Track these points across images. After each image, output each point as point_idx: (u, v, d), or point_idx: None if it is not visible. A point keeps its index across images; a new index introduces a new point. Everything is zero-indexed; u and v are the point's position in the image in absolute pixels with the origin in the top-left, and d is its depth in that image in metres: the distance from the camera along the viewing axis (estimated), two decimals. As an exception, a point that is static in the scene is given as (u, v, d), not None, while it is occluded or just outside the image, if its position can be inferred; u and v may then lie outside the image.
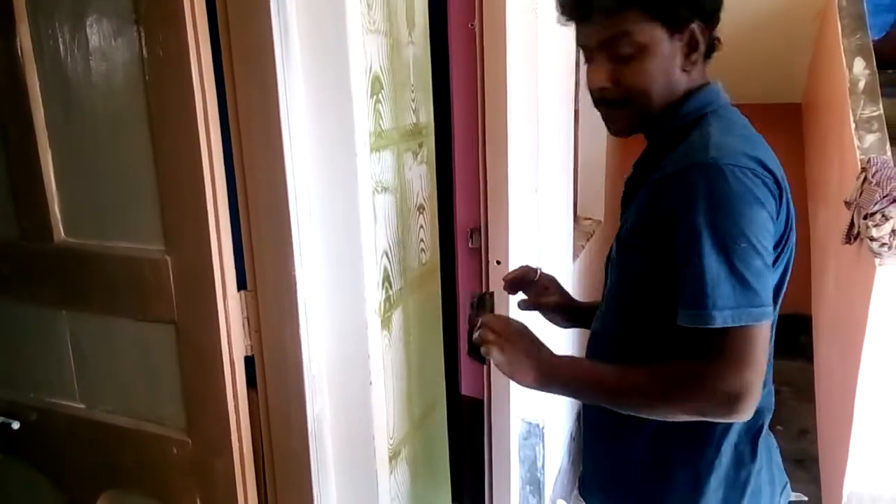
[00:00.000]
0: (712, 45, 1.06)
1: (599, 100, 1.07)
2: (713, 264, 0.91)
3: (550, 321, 1.35)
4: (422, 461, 1.50)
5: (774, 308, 0.99)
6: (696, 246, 0.92)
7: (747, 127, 1.05)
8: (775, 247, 0.97)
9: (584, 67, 1.10)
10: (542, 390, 1.08)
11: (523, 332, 1.09)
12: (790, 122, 3.98)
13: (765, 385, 1.00)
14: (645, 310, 1.04)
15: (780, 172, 0.98)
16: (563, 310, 1.32)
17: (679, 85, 1.03)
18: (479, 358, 1.09)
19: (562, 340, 2.59)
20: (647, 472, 1.11)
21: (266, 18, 1.09)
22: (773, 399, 1.12)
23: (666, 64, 1.01)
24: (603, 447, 1.18)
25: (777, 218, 0.96)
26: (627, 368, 1.01)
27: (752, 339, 0.92)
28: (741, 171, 0.92)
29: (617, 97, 1.04)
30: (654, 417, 1.00)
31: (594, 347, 1.18)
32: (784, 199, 0.98)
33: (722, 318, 0.91)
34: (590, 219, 3.48)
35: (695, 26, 1.00)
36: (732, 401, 0.91)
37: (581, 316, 1.32)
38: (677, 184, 0.95)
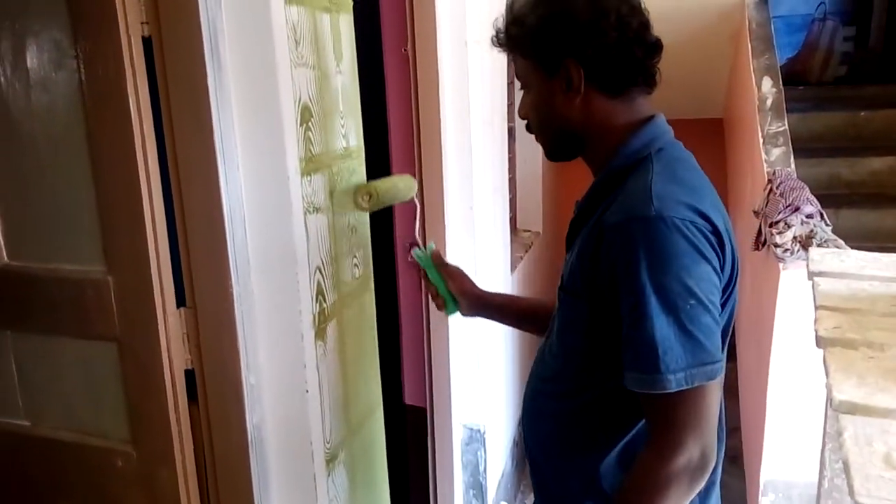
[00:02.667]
0: (633, 68, 1.03)
1: (525, 128, 1.16)
2: (663, 326, 0.89)
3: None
4: (360, 465, 1.58)
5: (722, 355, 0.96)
6: (644, 307, 0.90)
7: (690, 168, 1.04)
8: (720, 297, 0.96)
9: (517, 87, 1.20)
10: None
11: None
12: (713, 137, 4.21)
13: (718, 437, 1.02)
14: (590, 359, 1.05)
15: (722, 221, 0.97)
16: (474, 302, 1.37)
17: (568, 116, 1.05)
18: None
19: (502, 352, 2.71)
20: None
21: (199, 54, 1.17)
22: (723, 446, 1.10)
23: (544, 99, 1.06)
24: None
25: (722, 270, 0.95)
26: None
27: (706, 397, 0.91)
28: (683, 223, 0.90)
29: (526, 126, 1.14)
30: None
31: (539, 371, 1.21)
32: (728, 249, 0.97)
33: (676, 382, 0.89)
34: (528, 231, 3.62)
35: (570, 65, 1.01)
36: (700, 464, 0.91)
37: (493, 310, 1.41)
38: (619, 237, 0.94)
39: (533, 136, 1.15)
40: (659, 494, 0.92)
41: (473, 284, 1.40)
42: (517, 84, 1.19)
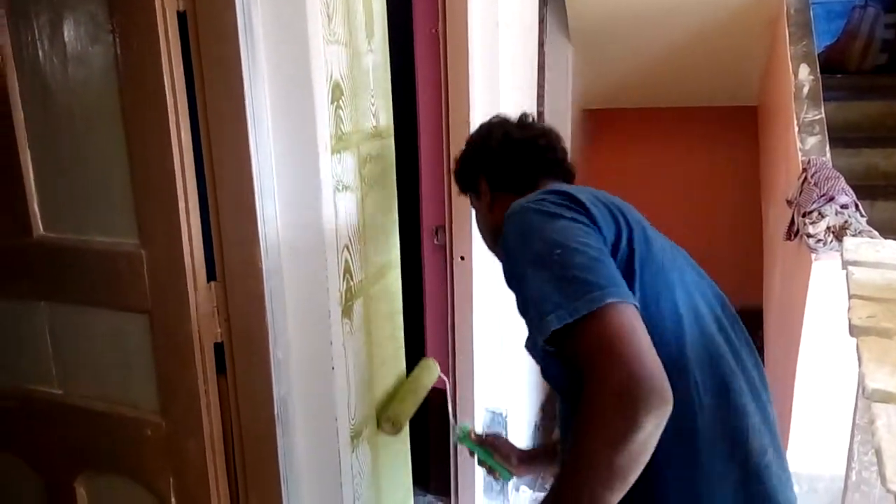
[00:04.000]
0: (525, 168, 1.30)
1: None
2: (537, 282, 0.89)
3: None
4: (383, 442, 1.59)
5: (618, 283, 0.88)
6: (520, 277, 0.93)
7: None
8: (615, 244, 0.96)
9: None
10: None
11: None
12: (747, 125, 4.14)
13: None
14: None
15: (589, 196, 1.01)
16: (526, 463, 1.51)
17: (495, 221, 1.30)
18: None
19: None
20: None
21: (233, 28, 1.18)
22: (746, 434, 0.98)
23: (480, 216, 1.40)
24: None
25: (595, 224, 0.96)
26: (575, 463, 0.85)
27: (608, 324, 0.82)
28: (537, 202, 1.01)
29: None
30: (626, 457, 0.79)
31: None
32: (598, 211, 0.98)
33: (557, 318, 0.84)
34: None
35: (480, 180, 1.35)
36: (626, 394, 0.78)
37: (536, 461, 1.54)
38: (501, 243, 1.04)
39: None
40: (593, 427, 0.80)
41: (513, 447, 1.54)
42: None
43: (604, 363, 0.80)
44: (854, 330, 0.97)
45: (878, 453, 0.68)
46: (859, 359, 0.90)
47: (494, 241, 1.33)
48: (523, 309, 0.95)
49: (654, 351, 0.82)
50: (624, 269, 0.94)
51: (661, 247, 1.02)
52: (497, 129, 1.37)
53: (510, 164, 1.31)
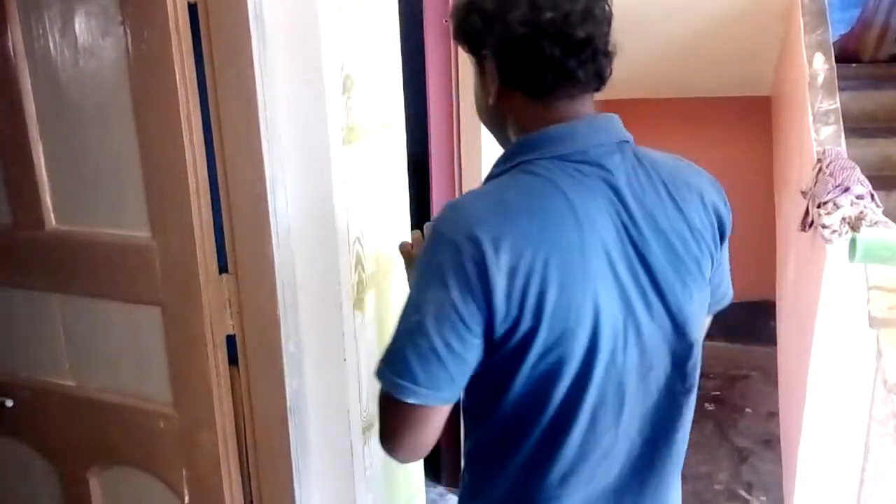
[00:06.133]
0: (545, 68, 0.89)
1: None
2: (398, 323, 0.89)
3: None
4: (395, 434, 1.59)
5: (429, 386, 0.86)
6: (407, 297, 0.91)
7: (531, 192, 0.88)
8: (510, 330, 0.85)
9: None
10: None
11: None
12: (760, 115, 4.10)
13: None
14: None
15: (529, 256, 0.83)
16: None
17: (499, 114, 0.97)
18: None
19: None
20: None
21: (244, 20, 1.17)
22: None
23: (477, 89, 0.99)
24: None
25: (490, 308, 0.84)
26: None
27: (388, 409, 0.90)
28: (449, 244, 0.85)
29: None
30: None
31: None
32: (517, 288, 0.83)
33: (378, 370, 0.89)
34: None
35: (485, 56, 0.93)
36: (387, 451, 0.94)
37: None
38: None
39: None
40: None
41: None
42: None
43: (381, 429, 0.93)
44: (874, 322, 0.95)
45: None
46: (880, 351, 0.89)
47: (490, 124, 1.02)
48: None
49: (414, 443, 0.91)
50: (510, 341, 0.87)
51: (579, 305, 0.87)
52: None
53: (529, 59, 0.90)
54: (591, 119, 0.93)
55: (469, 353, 0.87)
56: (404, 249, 1.21)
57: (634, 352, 0.92)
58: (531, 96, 0.92)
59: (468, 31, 0.94)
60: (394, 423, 0.90)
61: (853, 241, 1.04)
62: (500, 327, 0.85)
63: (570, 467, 0.94)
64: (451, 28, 1.01)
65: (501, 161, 0.95)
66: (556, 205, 0.86)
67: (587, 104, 0.94)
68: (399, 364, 0.86)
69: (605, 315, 0.87)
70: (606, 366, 0.90)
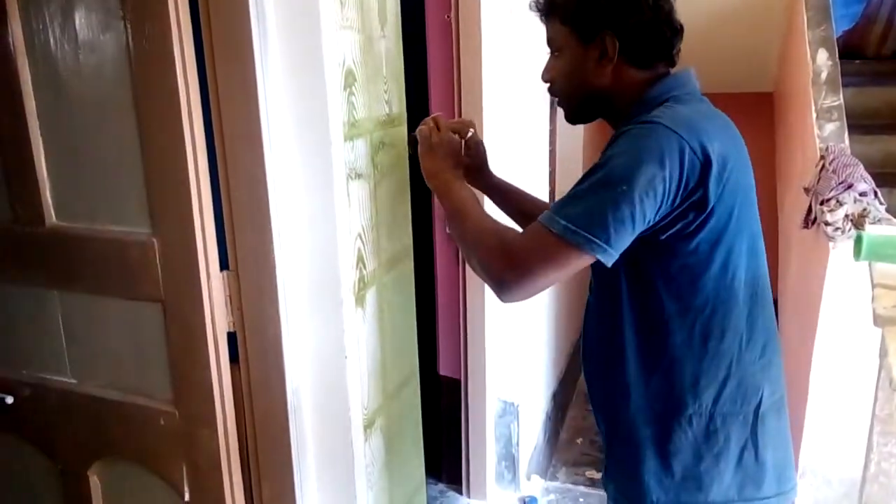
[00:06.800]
0: (661, 45, 1.15)
1: (548, 90, 1.25)
2: (590, 190, 1.02)
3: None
4: (395, 431, 1.59)
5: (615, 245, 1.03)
6: (593, 171, 1.04)
7: (696, 109, 1.11)
8: (682, 212, 1.04)
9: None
10: (430, 185, 1.31)
11: (454, 143, 1.33)
12: (763, 111, 4.09)
13: (730, 377, 1.12)
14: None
15: (720, 153, 1.03)
16: (473, 173, 1.44)
17: (598, 83, 1.16)
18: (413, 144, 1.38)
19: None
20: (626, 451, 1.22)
21: (245, 15, 1.17)
22: (763, 395, 1.17)
23: (577, 65, 1.17)
24: (603, 429, 1.30)
25: (684, 189, 1.02)
26: (489, 218, 1.18)
27: (555, 253, 1.02)
28: (667, 130, 1.01)
29: (550, 89, 1.23)
30: (469, 255, 1.17)
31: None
32: (713, 175, 1.02)
33: (558, 225, 1.01)
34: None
35: (607, 37, 1.13)
36: (497, 281, 1.07)
37: (495, 190, 1.50)
38: (620, 134, 1.08)
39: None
40: (470, 245, 1.16)
41: (485, 166, 1.51)
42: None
43: (516, 259, 1.05)
44: (879, 320, 0.95)
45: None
46: (884, 349, 0.88)
47: (584, 93, 1.19)
48: (580, 181, 1.07)
49: (547, 285, 1.08)
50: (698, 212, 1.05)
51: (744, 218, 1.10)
52: None
53: (652, 38, 1.14)
54: (686, 70, 1.19)
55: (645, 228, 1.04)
56: (423, 133, 1.34)
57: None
58: (639, 66, 1.15)
59: (594, 14, 1.14)
60: (549, 267, 1.04)
61: (858, 239, 1.06)
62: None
63: None
64: (551, 11, 1.19)
65: (648, 102, 1.13)
66: (730, 123, 1.13)
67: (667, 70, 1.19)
68: (596, 224, 1.00)
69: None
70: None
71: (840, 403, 2.20)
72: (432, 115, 1.38)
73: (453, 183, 1.26)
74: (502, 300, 1.10)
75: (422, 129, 1.34)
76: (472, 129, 1.40)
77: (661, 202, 1.02)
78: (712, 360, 1.12)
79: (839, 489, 2.28)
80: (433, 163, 1.30)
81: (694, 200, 1.04)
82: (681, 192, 1.02)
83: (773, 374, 1.20)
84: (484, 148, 1.47)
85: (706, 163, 1.02)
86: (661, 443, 1.15)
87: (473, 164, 1.43)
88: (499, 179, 1.53)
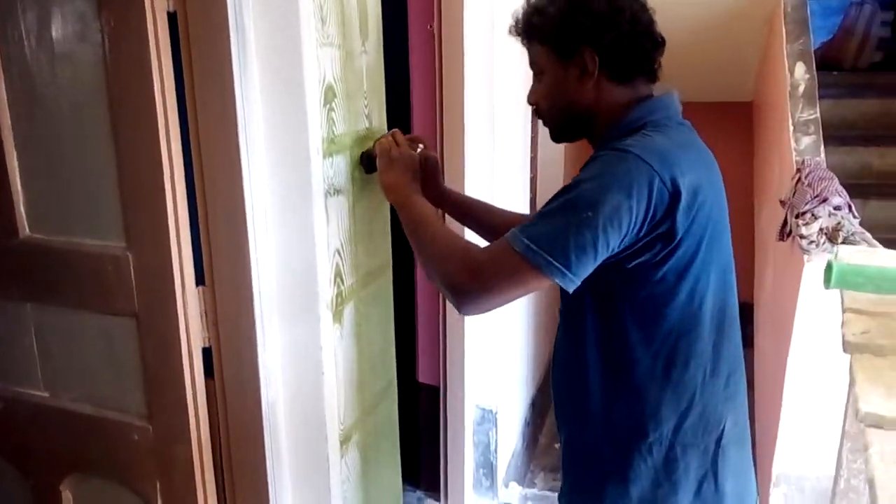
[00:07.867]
0: (641, 59, 1.15)
1: (533, 112, 1.25)
2: (556, 212, 1.03)
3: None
4: (372, 445, 1.59)
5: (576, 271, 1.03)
6: (564, 191, 1.05)
7: (673, 136, 1.10)
8: (648, 242, 1.03)
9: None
10: (390, 199, 1.33)
11: (413, 157, 1.32)
12: (742, 120, 4.13)
13: (692, 408, 1.12)
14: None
15: (691, 184, 1.03)
16: (428, 186, 1.41)
17: (580, 100, 1.16)
18: (369, 165, 1.39)
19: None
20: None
21: (224, 30, 1.16)
22: (725, 426, 1.16)
23: (559, 84, 1.17)
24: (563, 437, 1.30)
25: (650, 220, 1.02)
26: (450, 231, 1.20)
27: (515, 271, 1.03)
28: (638, 160, 1.01)
29: (535, 111, 1.23)
30: (430, 266, 1.16)
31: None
32: (678, 207, 1.02)
33: (520, 244, 1.02)
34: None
35: (586, 52, 1.13)
36: (457, 292, 1.07)
37: (449, 203, 1.50)
38: (594, 158, 1.09)
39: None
40: (432, 256, 1.16)
41: (438, 183, 1.49)
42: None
43: (479, 273, 1.06)
44: (848, 346, 0.96)
45: (870, 484, 0.68)
46: (853, 379, 0.89)
47: (567, 109, 1.19)
48: (550, 200, 1.08)
49: (505, 302, 1.08)
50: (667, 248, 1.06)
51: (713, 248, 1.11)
52: (626, 3, 1.14)
53: (630, 52, 1.14)
54: (668, 93, 1.18)
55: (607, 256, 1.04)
56: (383, 147, 1.33)
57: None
58: (619, 81, 1.15)
59: (571, 31, 1.13)
60: (508, 284, 1.05)
61: (829, 267, 1.06)
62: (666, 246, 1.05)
63: None
64: (519, 28, 1.21)
65: (625, 126, 1.13)
66: (705, 151, 1.15)
67: (649, 86, 1.19)
68: (558, 247, 1.00)
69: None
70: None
71: (813, 411, 2.23)
72: (391, 131, 1.39)
73: (413, 196, 1.26)
74: (461, 312, 1.11)
75: (382, 142, 1.34)
76: (422, 145, 1.40)
77: (627, 232, 1.02)
78: (675, 390, 1.12)
79: (811, 497, 2.31)
80: (394, 177, 1.30)
81: (661, 232, 1.04)
82: (647, 223, 1.02)
83: (737, 405, 1.20)
84: (437, 162, 1.48)
85: (675, 194, 1.02)
86: (620, 469, 1.15)
87: (429, 178, 1.42)
88: (455, 193, 1.53)
